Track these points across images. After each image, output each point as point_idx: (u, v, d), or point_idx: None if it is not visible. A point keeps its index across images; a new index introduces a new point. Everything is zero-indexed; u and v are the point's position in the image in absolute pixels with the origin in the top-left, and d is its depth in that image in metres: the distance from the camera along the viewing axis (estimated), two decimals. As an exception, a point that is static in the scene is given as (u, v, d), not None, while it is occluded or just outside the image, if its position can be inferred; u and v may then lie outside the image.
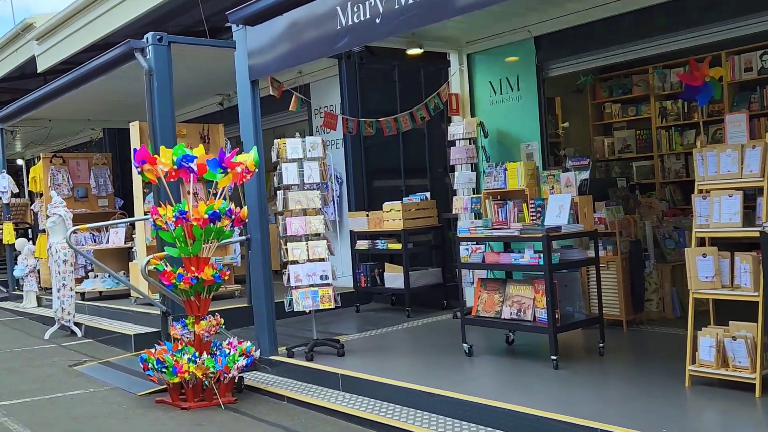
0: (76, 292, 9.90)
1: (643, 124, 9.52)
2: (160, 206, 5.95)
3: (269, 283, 6.76)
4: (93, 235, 12.42)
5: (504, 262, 5.86)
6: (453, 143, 8.17)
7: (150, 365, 5.89)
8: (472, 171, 7.87)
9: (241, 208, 6.20)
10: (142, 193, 9.37)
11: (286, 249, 6.57)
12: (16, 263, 13.57)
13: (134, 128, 9.46)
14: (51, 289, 12.27)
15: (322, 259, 6.59)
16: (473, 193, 7.84)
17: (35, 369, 7.58)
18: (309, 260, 6.56)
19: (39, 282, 12.08)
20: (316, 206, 6.59)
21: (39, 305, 12.00)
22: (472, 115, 8.25)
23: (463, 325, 6.21)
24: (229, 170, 5.81)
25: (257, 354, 6.13)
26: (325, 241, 6.61)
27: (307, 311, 6.56)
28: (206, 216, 5.80)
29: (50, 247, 9.46)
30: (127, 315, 9.39)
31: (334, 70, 10.05)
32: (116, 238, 10.95)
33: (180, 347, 6.03)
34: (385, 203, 8.64)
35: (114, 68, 8.96)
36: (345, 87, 9.86)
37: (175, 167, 5.72)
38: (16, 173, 22.53)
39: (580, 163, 6.23)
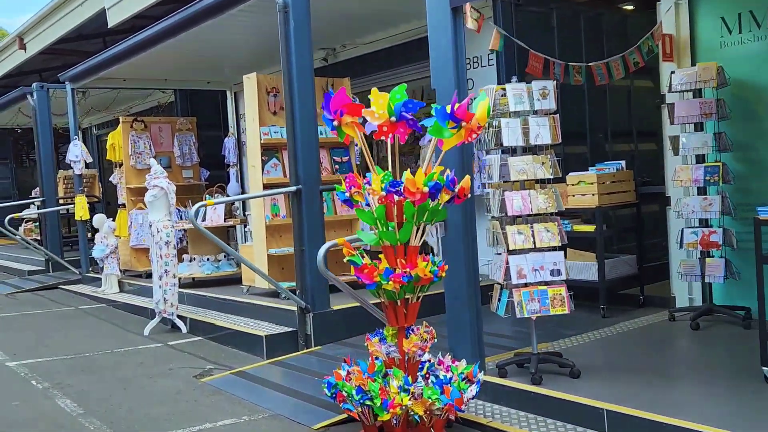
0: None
1: None
2: (357, 176, 4.30)
3: (474, 278, 5.10)
4: (179, 211, 10.87)
5: None
6: (662, 99, 6.46)
7: (346, 394, 4.28)
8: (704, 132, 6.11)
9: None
10: (261, 161, 7.74)
11: (504, 233, 4.90)
12: (91, 242, 12.14)
13: (250, 82, 7.81)
14: (128, 271, 10.83)
15: (554, 248, 4.91)
16: (705, 161, 6.09)
17: (154, 381, 6.04)
18: (535, 249, 4.89)
19: (119, 264, 10.58)
20: (546, 176, 4.89)
21: (121, 290, 10.52)
22: (693, 62, 6.47)
23: (764, 341, 4.50)
24: (463, 123, 4.12)
25: (481, 377, 4.49)
26: (555, 224, 4.93)
27: (534, 318, 4.90)
28: (426, 189, 4.14)
29: (150, 225, 7.90)
30: (242, 308, 7.82)
31: (486, 13, 8.27)
32: (214, 215, 9.37)
33: (376, 368, 4.42)
34: (570, 174, 6.92)
35: (235, 6, 7.29)
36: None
37: (393, 119, 4.05)
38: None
39: None
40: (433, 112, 4.09)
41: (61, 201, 13.80)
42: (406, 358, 4.40)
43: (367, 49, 10.13)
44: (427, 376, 4.40)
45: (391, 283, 4.22)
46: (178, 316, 7.99)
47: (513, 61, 8.09)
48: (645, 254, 7.19)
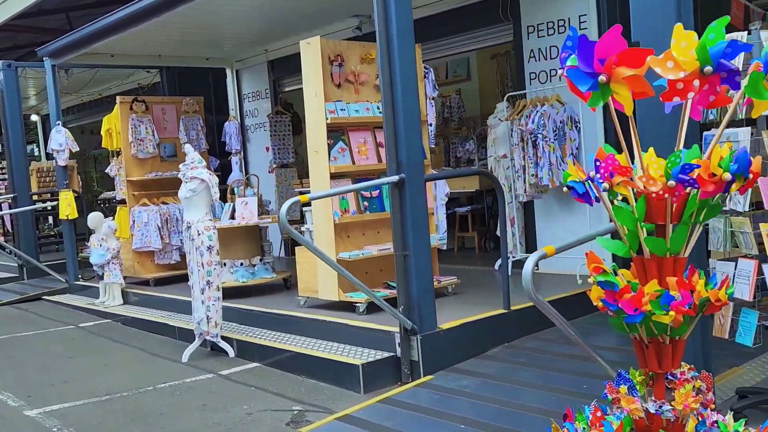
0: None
1: None
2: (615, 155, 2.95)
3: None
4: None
5: None
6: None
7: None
8: None
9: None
10: (327, 145, 6.30)
11: (757, 233, 3.64)
12: (82, 243, 10.54)
13: (311, 48, 6.33)
14: (127, 278, 9.26)
15: (822, 252, 3.68)
16: None
17: (237, 433, 4.60)
18: (797, 254, 3.65)
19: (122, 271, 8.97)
20: (812, 156, 3.64)
21: (125, 302, 8.93)
22: None
23: None
24: (795, 78, 2.80)
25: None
26: (819, 220, 3.69)
27: (798, 346, 3.67)
28: (728, 176, 2.83)
29: (188, 226, 6.39)
30: (304, 325, 6.39)
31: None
32: (245, 211, 7.88)
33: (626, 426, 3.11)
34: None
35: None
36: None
37: (708, 69, 2.70)
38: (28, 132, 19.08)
39: None
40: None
41: (35, 197, 12.02)
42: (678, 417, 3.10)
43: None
44: (700, 437, 3.11)
45: (671, 313, 2.90)
46: (222, 337, 6.52)
47: (615, 17, 6.88)
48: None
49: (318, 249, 5.13)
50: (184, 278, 9.19)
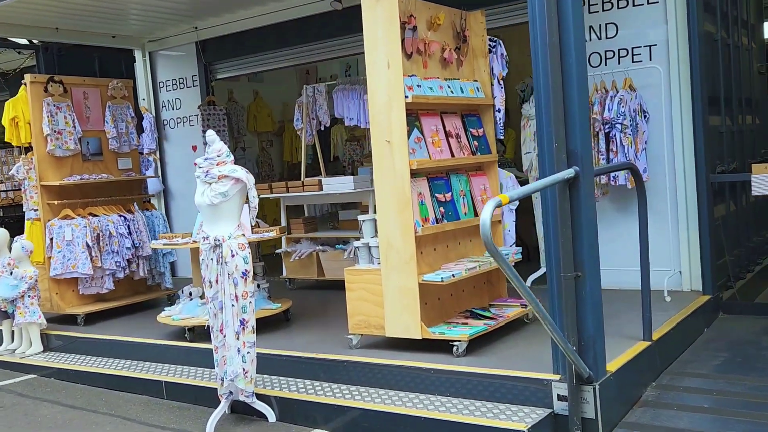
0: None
1: None
2: None
3: None
4: (125, 219, 7.26)
5: None
6: None
7: None
8: None
9: None
10: (405, 133, 4.72)
11: None
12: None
13: (382, 5, 4.72)
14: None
15: None
16: None
17: None
18: None
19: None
20: None
21: (46, 349, 6.67)
22: None
23: None
24: None
25: None
26: None
27: None
28: None
29: (216, 245, 4.54)
30: (370, 373, 4.75)
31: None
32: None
33: None
34: None
35: None
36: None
37: None
38: None
39: None
40: None
41: None
42: None
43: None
44: None
45: None
46: (257, 396, 4.74)
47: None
48: None
49: (530, 292, 3.48)
50: (118, 312, 7.16)
